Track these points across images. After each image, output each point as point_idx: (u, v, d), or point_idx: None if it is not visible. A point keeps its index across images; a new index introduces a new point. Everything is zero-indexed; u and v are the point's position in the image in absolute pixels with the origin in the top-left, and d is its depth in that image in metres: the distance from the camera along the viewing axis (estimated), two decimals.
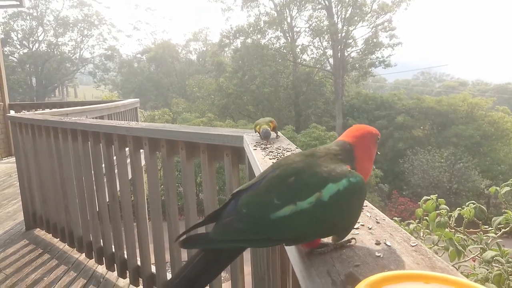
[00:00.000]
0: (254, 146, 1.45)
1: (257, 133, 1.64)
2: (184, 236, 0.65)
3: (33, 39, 37.62)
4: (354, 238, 0.65)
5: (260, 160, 1.21)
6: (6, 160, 7.36)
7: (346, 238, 0.64)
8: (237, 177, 1.86)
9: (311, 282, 0.52)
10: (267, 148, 1.40)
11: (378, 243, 0.62)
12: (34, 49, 37.57)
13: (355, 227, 0.70)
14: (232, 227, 0.62)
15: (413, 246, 0.59)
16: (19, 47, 37.39)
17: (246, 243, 0.64)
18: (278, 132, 1.75)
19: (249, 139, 1.60)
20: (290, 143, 1.53)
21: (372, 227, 0.69)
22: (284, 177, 0.64)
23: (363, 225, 0.70)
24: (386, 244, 0.61)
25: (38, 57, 37.01)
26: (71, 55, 39.95)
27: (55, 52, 38.44)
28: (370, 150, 0.73)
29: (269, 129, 1.53)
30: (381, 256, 0.57)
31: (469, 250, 2.12)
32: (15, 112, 7.15)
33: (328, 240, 0.65)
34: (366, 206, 0.80)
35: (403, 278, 0.46)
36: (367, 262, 0.56)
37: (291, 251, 0.67)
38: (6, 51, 34.84)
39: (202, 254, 0.64)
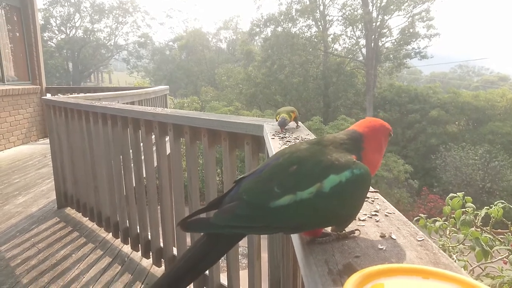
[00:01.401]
0: (273, 135, 1.45)
1: (277, 122, 1.64)
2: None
3: (70, 25, 38.89)
4: (358, 230, 0.64)
5: (277, 149, 1.21)
6: (42, 141, 7.72)
7: (350, 229, 0.64)
8: (256, 166, 1.87)
9: (309, 270, 0.52)
10: (285, 137, 1.40)
11: (383, 236, 0.61)
12: (71, 35, 38.87)
13: (361, 218, 0.69)
14: (232, 213, 0.63)
15: (419, 240, 0.58)
16: (57, 32, 38.81)
17: (245, 230, 0.64)
18: (299, 122, 1.74)
19: (269, 128, 1.60)
20: (310, 133, 1.52)
21: (379, 219, 0.68)
22: (286, 165, 0.64)
23: (370, 217, 0.69)
24: (391, 237, 0.60)
25: (75, 43, 38.26)
26: (106, 42, 41.05)
27: (91, 38, 39.60)
28: (381, 143, 0.71)
29: (286, 117, 1.52)
30: (384, 248, 0.56)
31: (497, 251, 2.05)
32: (51, 95, 7.46)
33: (330, 230, 0.65)
34: (377, 198, 0.78)
35: (400, 272, 0.45)
36: (368, 254, 0.55)
37: (295, 239, 0.68)
38: (45, 36, 36.24)
39: (204, 239, 0.65)
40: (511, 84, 43.01)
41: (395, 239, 0.59)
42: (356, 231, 0.63)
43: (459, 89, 29.65)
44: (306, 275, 0.52)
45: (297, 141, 1.35)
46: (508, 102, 21.95)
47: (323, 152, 0.65)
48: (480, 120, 22.16)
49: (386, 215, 0.69)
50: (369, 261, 0.52)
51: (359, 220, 0.68)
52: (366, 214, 0.70)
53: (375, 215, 0.70)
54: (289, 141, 1.33)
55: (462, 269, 0.47)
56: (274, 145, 1.27)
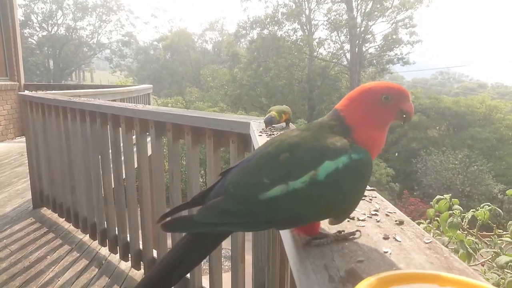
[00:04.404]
0: (260, 132, 1.38)
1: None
2: (168, 219, 0.59)
3: (52, 22, 37.98)
4: (359, 231, 0.57)
5: None
6: (19, 139, 7.45)
7: (350, 230, 0.57)
8: None
9: (306, 277, 0.45)
10: (273, 134, 1.34)
11: (386, 238, 0.55)
12: (53, 32, 37.96)
13: (360, 218, 0.63)
14: (217, 209, 0.56)
15: (427, 243, 0.52)
16: (38, 29, 37.83)
17: (232, 227, 0.57)
18: (290, 124, 1.66)
19: (256, 125, 1.54)
20: None
21: (380, 219, 0.62)
22: (276, 153, 0.57)
23: (370, 217, 0.63)
24: (396, 239, 0.54)
25: (57, 41, 37.37)
26: (88, 40, 40.23)
27: (73, 36, 38.76)
28: (371, 115, 0.59)
29: (275, 115, 1.45)
30: (389, 252, 0.50)
31: (480, 255, 2.03)
32: (29, 92, 7.21)
33: (329, 230, 0.58)
34: (376, 197, 0.72)
35: (413, 279, 0.39)
36: (372, 258, 0.49)
37: (287, 241, 0.61)
38: (26, 33, 35.29)
39: (187, 238, 0.58)
40: (489, 91, 44.28)
41: (400, 241, 0.53)
42: (356, 232, 0.57)
43: (440, 95, 30.28)
44: (302, 282, 0.46)
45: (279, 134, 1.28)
46: (487, 108, 22.53)
47: (315, 137, 0.58)
48: (460, 126, 22.66)
49: (387, 215, 0.63)
50: (375, 267, 0.46)
51: (358, 220, 0.62)
52: (365, 214, 0.64)
53: (375, 214, 0.64)
54: None
55: (479, 275, 0.42)
56: (262, 142, 1.20)
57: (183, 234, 0.60)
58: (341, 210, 0.55)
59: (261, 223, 0.56)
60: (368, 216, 0.63)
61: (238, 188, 0.56)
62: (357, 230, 0.57)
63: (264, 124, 1.51)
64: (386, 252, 0.50)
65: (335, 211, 0.55)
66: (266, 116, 1.46)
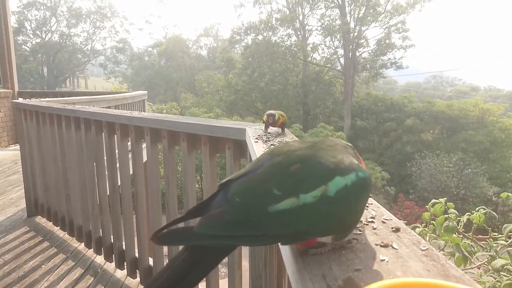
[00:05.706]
0: (256, 138, 1.38)
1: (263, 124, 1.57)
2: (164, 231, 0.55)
3: (46, 29, 37.92)
4: (356, 239, 0.57)
5: (260, 153, 1.15)
6: (13, 147, 7.40)
7: (347, 238, 0.57)
8: (238, 171, 1.79)
9: (304, 286, 0.45)
10: (269, 141, 1.34)
11: (383, 245, 0.55)
12: (46, 39, 37.88)
13: (357, 226, 0.63)
14: (221, 220, 0.53)
15: (423, 250, 0.52)
16: (32, 36, 37.74)
17: (237, 240, 0.54)
18: (286, 129, 1.66)
19: (252, 131, 1.54)
20: (294, 137, 1.46)
21: (377, 227, 0.62)
22: (286, 164, 0.56)
23: (366, 224, 0.63)
24: (393, 247, 0.54)
25: (50, 47, 37.28)
26: (82, 46, 40.19)
27: (67, 42, 38.70)
28: None
29: (274, 113, 1.46)
30: (386, 260, 0.50)
31: (476, 258, 2.04)
32: (23, 100, 7.17)
33: (326, 239, 0.58)
34: (372, 204, 0.73)
35: (411, 287, 0.39)
36: (369, 267, 0.49)
37: (285, 250, 0.61)
38: (19, 40, 35.19)
39: (186, 254, 0.55)
40: (482, 94, 44.70)
41: (397, 249, 0.53)
42: (353, 240, 0.57)
43: (433, 98, 30.52)
44: None
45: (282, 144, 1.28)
46: (480, 111, 22.72)
47: (327, 152, 0.58)
48: (454, 129, 22.84)
49: (383, 222, 0.64)
50: (372, 275, 0.46)
51: (355, 228, 0.62)
52: (362, 221, 0.64)
53: (372, 221, 0.64)
54: (273, 145, 1.27)
55: (476, 282, 0.42)
56: (258, 149, 1.21)
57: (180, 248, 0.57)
58: (346, 226, 0.55)
59: (267, 237, 0.53)
60: (364, 224, 0.64)
61: (245, 198, 0.54)
62: (354, 238, 0.58)
63: (260, 131, 1.51)
64: (383, 260, 0.50)
65: (340, 227, 0.55)
66: (267, 113, 1.47)
